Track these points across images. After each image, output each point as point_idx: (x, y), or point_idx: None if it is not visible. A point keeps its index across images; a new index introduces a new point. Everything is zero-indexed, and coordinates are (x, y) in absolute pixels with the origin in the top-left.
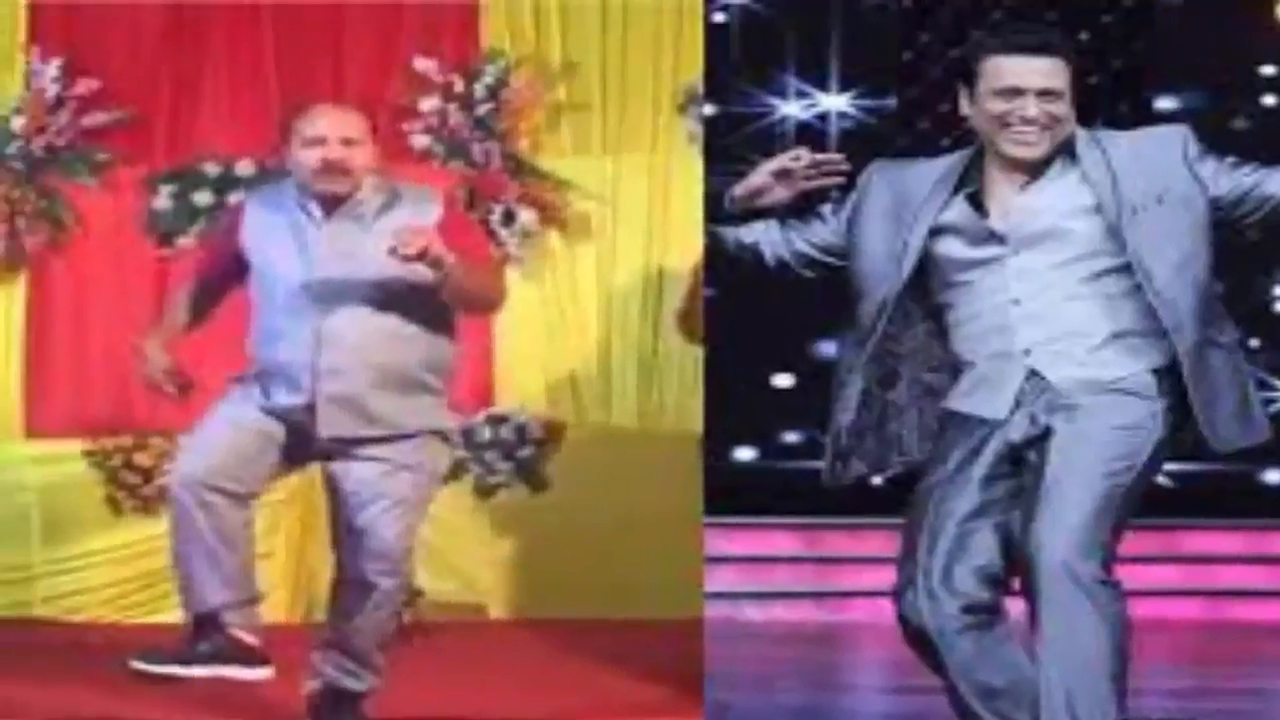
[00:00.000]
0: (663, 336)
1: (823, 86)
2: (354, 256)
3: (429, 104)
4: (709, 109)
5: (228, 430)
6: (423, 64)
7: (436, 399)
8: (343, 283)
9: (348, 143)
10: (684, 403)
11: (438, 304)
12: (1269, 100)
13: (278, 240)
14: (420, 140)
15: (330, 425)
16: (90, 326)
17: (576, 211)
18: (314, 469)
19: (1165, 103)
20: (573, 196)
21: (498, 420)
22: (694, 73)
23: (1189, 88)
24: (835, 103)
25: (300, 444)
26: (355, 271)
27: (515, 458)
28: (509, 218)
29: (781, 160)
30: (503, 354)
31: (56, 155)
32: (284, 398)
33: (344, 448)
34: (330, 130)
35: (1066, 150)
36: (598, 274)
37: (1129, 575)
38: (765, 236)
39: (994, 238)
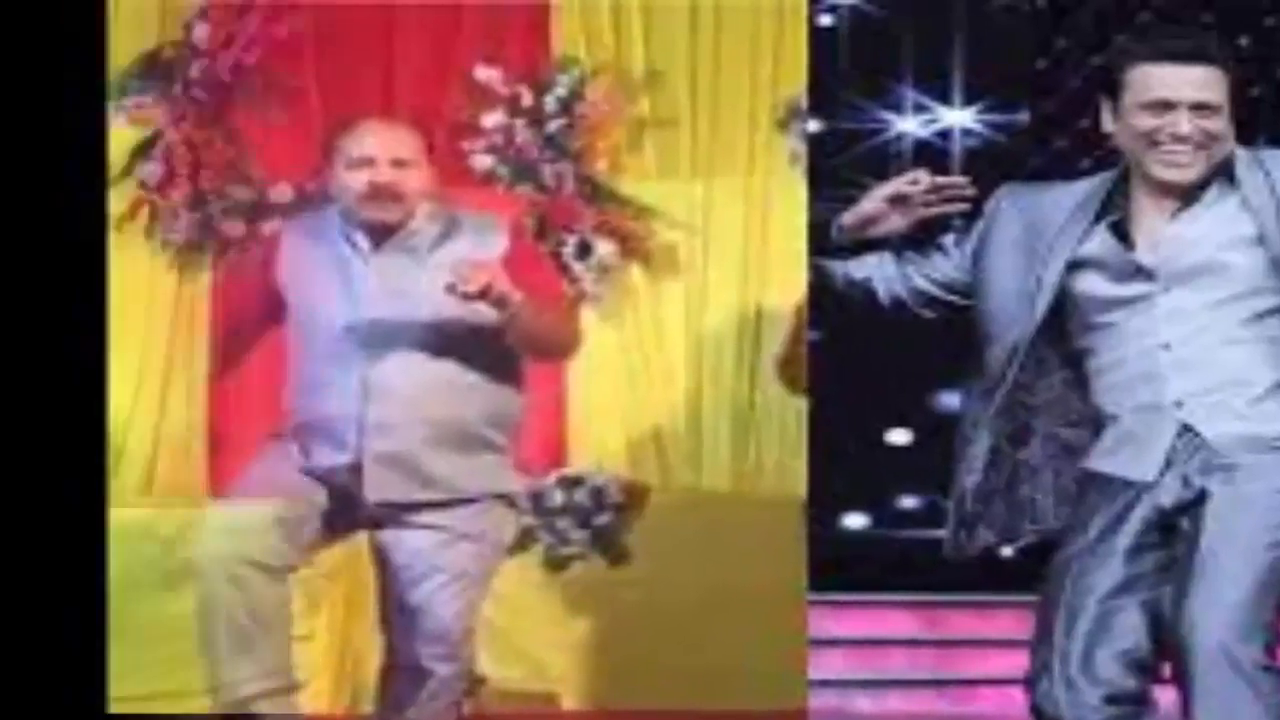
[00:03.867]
0: (760, 386)
1: (945, 99)
2: (406, 294)
3: (493, 120)
4: (814, 125)
5: (262, 494)
6: (485, 74)
7: (500, 458)
8: (393, 325)
9: (399, 164)
10: (785, 462)
11: (502, 349)
12: None
13: (319, 276)
14: (482, 161)
15: (378, 488)
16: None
17: (662, 243)
18: (360, 539)
19: None
20: (658, 225)
21: (571, 482)
22: (797, 84)
23: None
24: (959, 118)
25: (345, 510)
26: (407, 312)
27: (591, 525)
28: (584, 249)
29: (897, 184)
30: (577, 406)
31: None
32: (326, 457)
33: (395, 514)
34: (379, 150)
35: (1224, 172)
36: (686, 314)
37: None
38: (878, 271)
39: (1141, 273)
